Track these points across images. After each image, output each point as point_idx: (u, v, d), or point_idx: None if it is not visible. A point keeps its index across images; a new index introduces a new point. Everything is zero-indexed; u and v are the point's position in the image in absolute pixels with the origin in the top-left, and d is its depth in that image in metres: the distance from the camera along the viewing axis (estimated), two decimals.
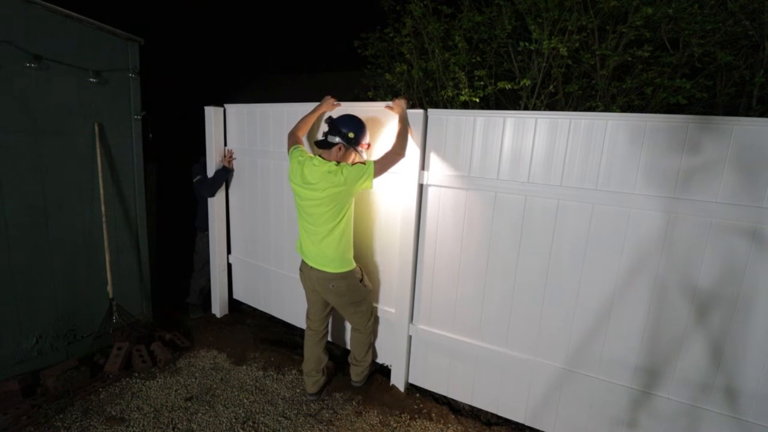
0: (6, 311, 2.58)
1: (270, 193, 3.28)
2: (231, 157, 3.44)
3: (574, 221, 2.07)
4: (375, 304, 2.80)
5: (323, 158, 2.33)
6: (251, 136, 3.32)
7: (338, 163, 2.29)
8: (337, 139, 2.30)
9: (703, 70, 2.26)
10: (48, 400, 2.53)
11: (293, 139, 2.56)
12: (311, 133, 2.83)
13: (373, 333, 2.82)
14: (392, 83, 3.04)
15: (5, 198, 2.50)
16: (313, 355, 2.66)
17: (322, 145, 2.36)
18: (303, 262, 2.52)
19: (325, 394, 2.72)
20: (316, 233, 2.36)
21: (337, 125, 2.32)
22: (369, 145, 2.47)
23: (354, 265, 2.48)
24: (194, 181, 3.48)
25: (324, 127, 2.40)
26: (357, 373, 2.76)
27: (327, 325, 2.72)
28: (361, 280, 2.55)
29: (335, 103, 2.68)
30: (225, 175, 3.43)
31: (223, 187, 3.53)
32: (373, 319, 2.71)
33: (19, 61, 2.45)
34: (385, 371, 2.89)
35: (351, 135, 2.30)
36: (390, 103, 2.43)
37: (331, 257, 2.38)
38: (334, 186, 2.23)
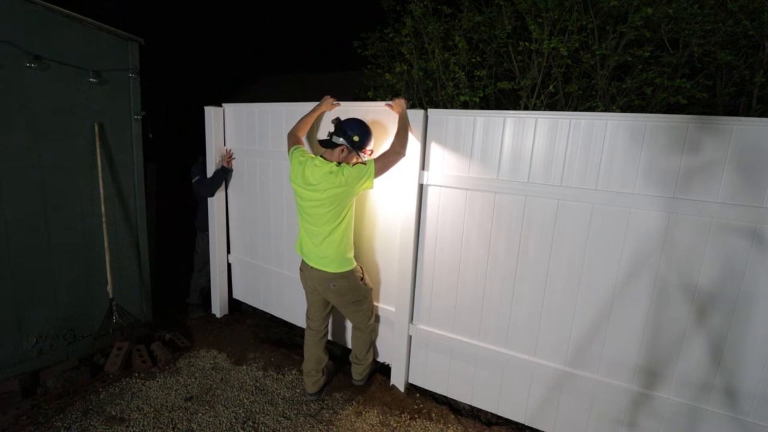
0: (6, 311, 2.58)
1: (269, 192, 3.28)
2: (230, 157, 3.44)
3: (574, 221, 2.07)
4: (376, 303, 2.80)
5: (325, 158, 2.34)
6: (250, 136, 3.32)
7: (339, 163, 2.30)
8: (342, 140, 2.30)
9: (703, 70, 2.26)
10: (48, 400, 2.53)
11: (293, 140, 2.57)
12: (311, 133, 2.83)
13: (374, 332, 2.82)
14: (392, 83, 3.04)
15: (5, 198, 2.50)
16: (313, 355, 2.66)
17: (326, 145, 2.36)
18: (303, 262, 2.52)
19: (325, 394, 2.71)
20: (318, 234, 2.37)
21: (343, 127, 2.32)
22: (372, 151, 2.46)
23: (354, 264, 2.49)
24: (193, 181, 3.47)
25: (330, 127, 2.40)
26: (358, 372, 2.76)
27: (327, 325, 2.72)
28: (362, 279, 2.56)
29: (334, 102, 2.68)
30: (224, 175, 3.43)
31: (223, 186, 3.53)
32: (374, 317, 2.72)
33: (19, 61, 2.45)
34: (385, 371, 2.89)
35: (356, 139, 2.30)
36: (390, 102, 2.43)
37: (332, 257, 2.38)
38: (335, 187, 2.23)
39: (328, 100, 2.68)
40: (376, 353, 2.91)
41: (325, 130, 2.67)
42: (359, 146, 2.33)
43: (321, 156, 2.36)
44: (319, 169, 2.28)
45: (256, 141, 3.28)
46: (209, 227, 3.60)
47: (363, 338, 2.68)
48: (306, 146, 2.63)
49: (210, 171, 3.47)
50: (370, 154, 2.44)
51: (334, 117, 2.42)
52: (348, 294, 2.48)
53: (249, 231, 3.53)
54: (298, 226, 2.51)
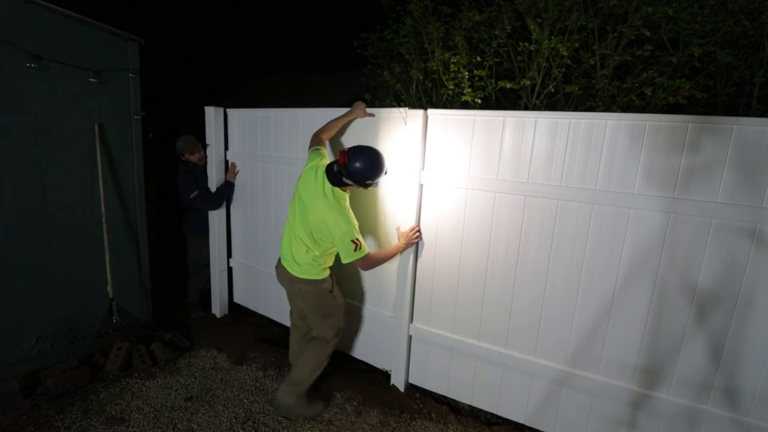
0: (6, 311, 2.58)
1: (271, 196, 3.28)
2: (235, 171, 3.44)
3: (574, 221, 2.07)
4: (374, 308, 2.80)
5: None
6: (252, 141, 3.33)
7: (342, 207, 2.17)
8: (351, 182, 2.16)
9: (703, 70, 2.25)
10: (48, 400, 2.53)
11: (316, 140, 2.47)
12: (336, 137, 2.78)
13: (330, 349, 2.46)
14: (391, 83, 3.04)
15: (5, 198, 2.50)
16: (294, 349, 2.67)
17: (335, 182, 2.18)
18: (279, 259, 2.47)
19: (325, 393, 2.71)
20: (293, 229, 2.31)
21: (352, 171, 2.11)
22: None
23: (324, 276, 2.37)
24: (191, 197, 3.35)
25: (355, 135, 2.27)
26: (286, 392, 2.42)
27: (308, 325, 2.63)
28: (331, 291, 2.42)
29: (368, 111, 2.54)
30: (231, 189, 3.46)
31: None
32: (339, 337, 2.48)
33: (19, 61, 2.45)
34: (384, 374, 2.89)
35: (369, 182, 2.17)
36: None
37: (299, 261, 2.31)
38: (323, 226, 2.16)
39: (361, 106, 2.53)
40: (316, 376, 2.49)
41: (353, 134, 2.64)
42: (371, 184, 2.20)
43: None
44: (322, 201, 2.17)
45: (258, 146, 3.28)
46: (209, 228, 3.60)
47: (315, 353, 2.40)
48: (328, 149, 2.57)
49: (210, 173, 3.47)
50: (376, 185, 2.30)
51: (360, 122, 2.33)
52: (312, 302, 2.37)
53: (251, 235, 3.53)
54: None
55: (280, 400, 2.44)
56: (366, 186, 2.20)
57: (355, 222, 2.21)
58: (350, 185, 2.19)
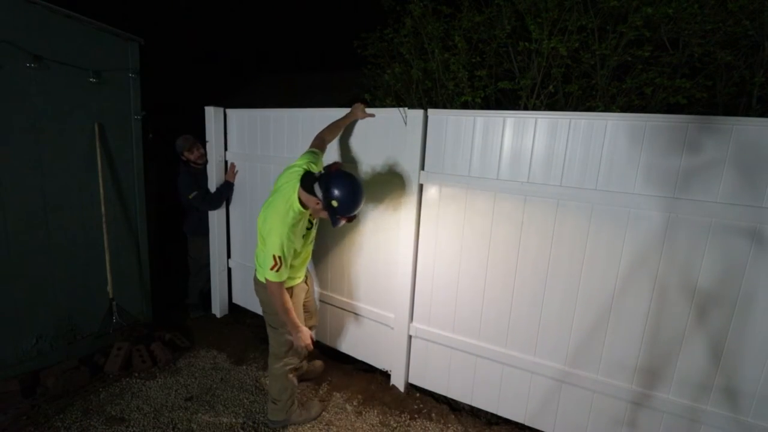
0: (6, 311, 2.58)
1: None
2: (234, 171, 3.45)
3: (573, 221, 2.07)
4: (372, 308, 2.80)
5: (299, 197, 2.04)
6: (252, 141, 3.33)
7: (288, 219, 2.00)
8: (320, 195, 1.95)
9: (703, 70, 2.26)
10: (48, 400, 2.53)
11: (317, 141, 2.41)
12: (342, 140, 2.77)
13: (286, 370, 2.32)
14: (391, 83, 3.03)
15: (5, 198, 2.50)
16: None
17: (305, 186, 1.99)
18: None
19: (325, 393, 2.71)
20: (260, 235, 2.16)
21: (329, 185, 1.92)
22: (352, 218, 2.07)
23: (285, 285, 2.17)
24: (190, 197, 3.35)
25: (358, 137, 2.19)
26: (272, 410, 2.37)
27: None
28: None
29: (368, 112, 2.52)
30: (230, 189, 3.46)
31: None
32: (290, 354, 2.31)
33: (19, 61, 2.45)
34: (384, 371, 2.89)
35: (335, 204, 1.93)
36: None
37: (260, 261, 2.17)
38: (264, 223, 2.03)
39: (360, 107, 2.51)
40: (293, 390, 2.40)
41: (353, 135, 2.62)
42: (333, 212, 1.97)
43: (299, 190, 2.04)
44: (282, 201, 2.02)
45: (258, 146, 3.28)
46: (209, 229, 3.60)
47: (274, 370, 2.31)
48: (336, 153, 2.54)
49: (210, 173, 3.47)
50: (347, 221, 2.08)
51: (361, 124, 2.30)
52: (266, 310, 2.27)
53: (250, 235, 3.52)
54: None
55: (270, 418, 2.40)
56: (329, 208, 1.96)
57: (292, 245, 2.02)
58: (313, 197, 1.98)
